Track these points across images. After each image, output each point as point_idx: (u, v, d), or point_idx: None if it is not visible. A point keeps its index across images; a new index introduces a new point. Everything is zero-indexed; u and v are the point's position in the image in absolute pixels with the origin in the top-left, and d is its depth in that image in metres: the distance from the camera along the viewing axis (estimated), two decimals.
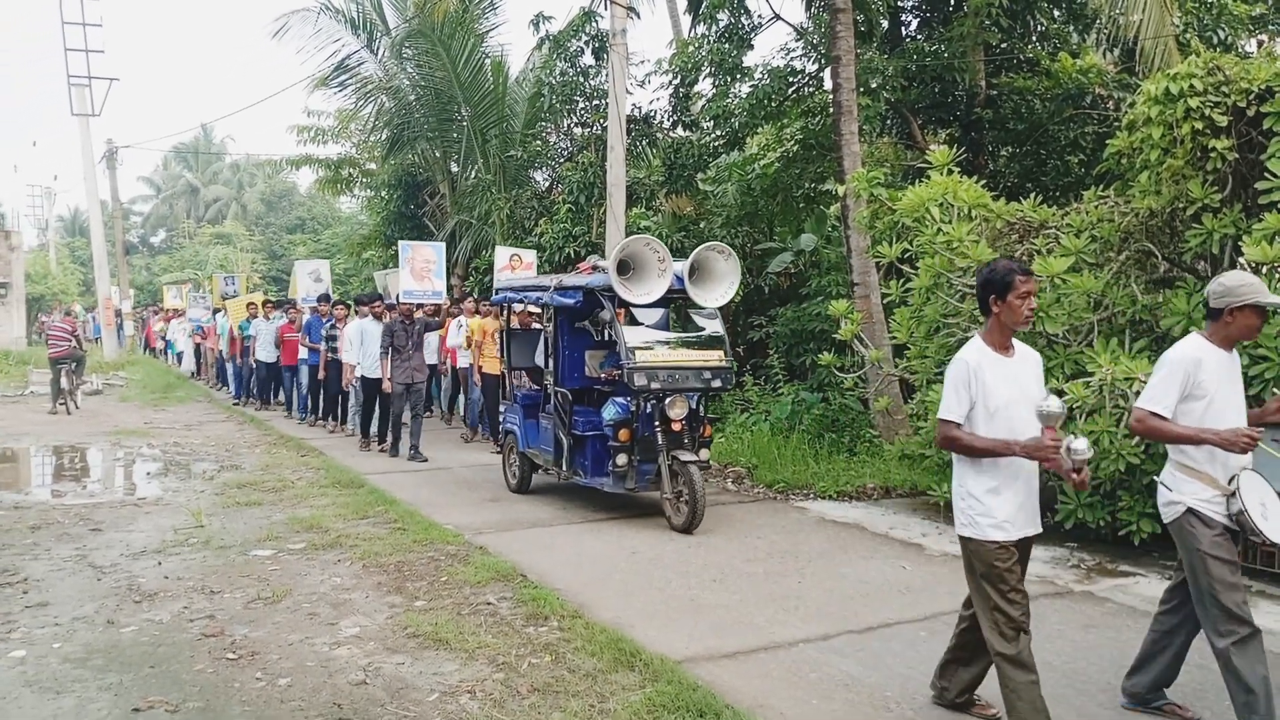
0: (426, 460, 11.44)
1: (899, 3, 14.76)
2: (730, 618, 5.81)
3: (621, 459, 8.11)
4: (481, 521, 8.35)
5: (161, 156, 65.78)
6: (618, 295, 8.05)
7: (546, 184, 18.87)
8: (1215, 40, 12.54)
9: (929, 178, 8.49)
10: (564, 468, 8.75)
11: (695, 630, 5.57)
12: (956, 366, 4.03)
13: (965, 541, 4.08)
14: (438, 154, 20.52)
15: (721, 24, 14.36)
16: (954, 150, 8.76)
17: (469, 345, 13.14)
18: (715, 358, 8.27)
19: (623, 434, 8.06)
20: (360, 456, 12.01)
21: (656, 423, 7.99)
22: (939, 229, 7.93)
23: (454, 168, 20.53)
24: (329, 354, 14.00)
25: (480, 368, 12.76)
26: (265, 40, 61.17)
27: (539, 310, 10.28)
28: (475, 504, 9.13)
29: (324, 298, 15.77)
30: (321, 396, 15.10)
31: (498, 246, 14.34)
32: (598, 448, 8.53)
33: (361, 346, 12.38)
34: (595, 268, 8.62)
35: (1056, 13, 14.48)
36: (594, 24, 15.28)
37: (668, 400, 7.92)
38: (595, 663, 4.96)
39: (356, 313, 13.63)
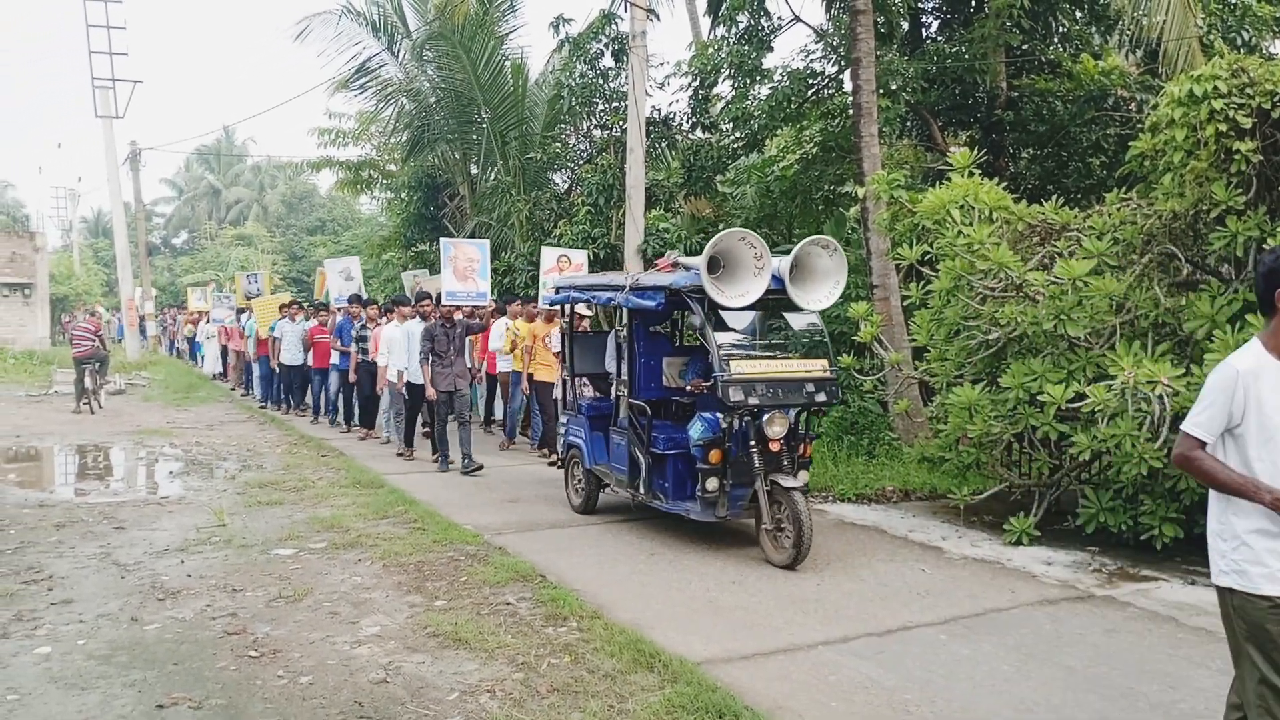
0: (482, 468, 10.75)
1: (919, 4, 14.72)
2: (749, 619, 5.81)
3: (712, 484, 7.10)
4: (501, 522, 8.38)
5: (184, 158, 66.30)
6: (709, 298, 7.05)
7: (565, 186, 18.91)
8: (1239, 42, 12.43)
9: (949, 180, 8.46)
10: (641, 490, 7.82)
11: (714, 632, 5.58)
12: (1222, 373, 3.20)
13: (1226, 594, 3.23)
14: (457, 156, 20.59)
15: (741, 26, 14.36)
16: (975, 152, 8.73)
17: (512, 349, 12.31)
18: (819, 368, 7.29)
19: (713, 455, 7.07)
20: (381, 458, 12.03)
21: (752, 442, 6.98)
22: (959, 231, 7.91)
23: (473, 170, 20.60)
24: (359, 356, 13.49)
25: (532, 375, 11.87)
26: (287, 43, 61.54)
27: (589, 311, 9.60)
28: (495, 505, 9.16)
29: (355, 298, 15.15)
30: (351, 401, 14.56)
31: (544, 247, 13.59)
32: (680, 468, 7.63)
33: (408, 350, 11.73)
34: (676, 264, 7.69)
35: (1078, 14, 14.39)
36: (613, 26, 15.31)
37: (766, 417, 6.91)
38: (614, 663, 4.97)
39: (387, 315, 13.01)
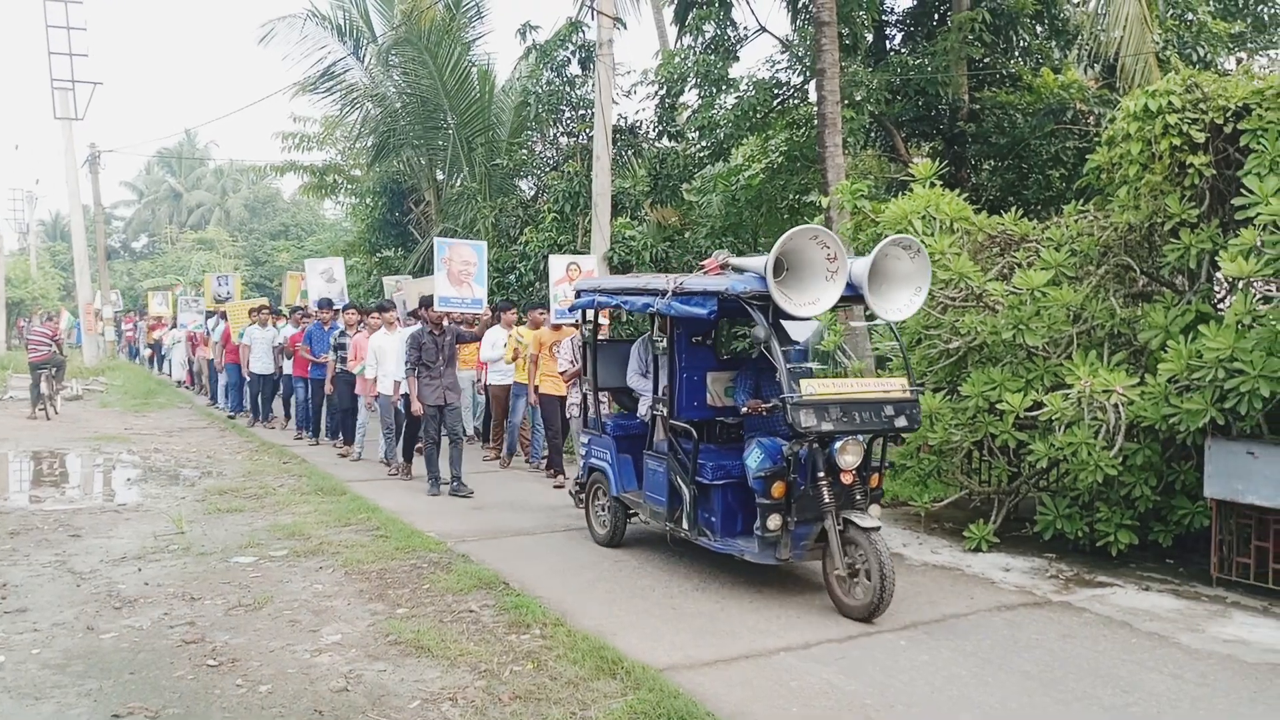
0: (471, 494, 9.78)
1: (884, 17, 14.91)
2: (712, 626, 5.84)
3: (774, 521, 6.09)
4: (465, 529, 8.34)
5: (145, 161, 65.47)
6: (773, 305, 6.09)
7: (532, 193, 18.89)
8: (1195, 58, 12.71)
9: (912, 190, 8.57)
10: (683, 525, 6.76)
11: (677, 638, 5.59)
12: None
13: None
14: (423, 161, 20.51)
15: (708, 36, 14.48)
16: (937, 163, 8.85)
17: (514, 359, 11.28)
18: (897, 388, 6.33)
19: (776, 489, 6.09)
20: (342, 464, 11.93)
21: (821, 473, 6.02)
22: (921, 241, 7.99)
23: (439, 176, 20.52)
24: (336, 365, 12.50)
25: (537, 387, 10.81)
26: (251, 46, 61.04)
27: (582, 320, 8.46)
28: (459, 512, 9.11)
29: (325, 303, 14.14)
30: (324, 413, 13.72)
31: (551, 256, 12.53)
32: (731, 501, 6.65)
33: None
34: (725, 266, 6.71)
35: (1039, 29, 14.66)
36: (580, 34, 15.35)
37: (839, 445, 5.98)
38: (577, 670, 4.98)
39: (367, 321, 11.96)
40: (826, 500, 6.04)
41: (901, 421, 6.21)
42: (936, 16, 14.93)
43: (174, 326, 24.57)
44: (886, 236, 8.34)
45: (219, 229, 56.81)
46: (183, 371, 23.52)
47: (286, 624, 5.79)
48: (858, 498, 6.13)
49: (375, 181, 22.19)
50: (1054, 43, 14.85)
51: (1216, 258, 6.54)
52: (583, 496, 8.22)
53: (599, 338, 8.22)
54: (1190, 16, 13.45)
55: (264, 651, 5.32)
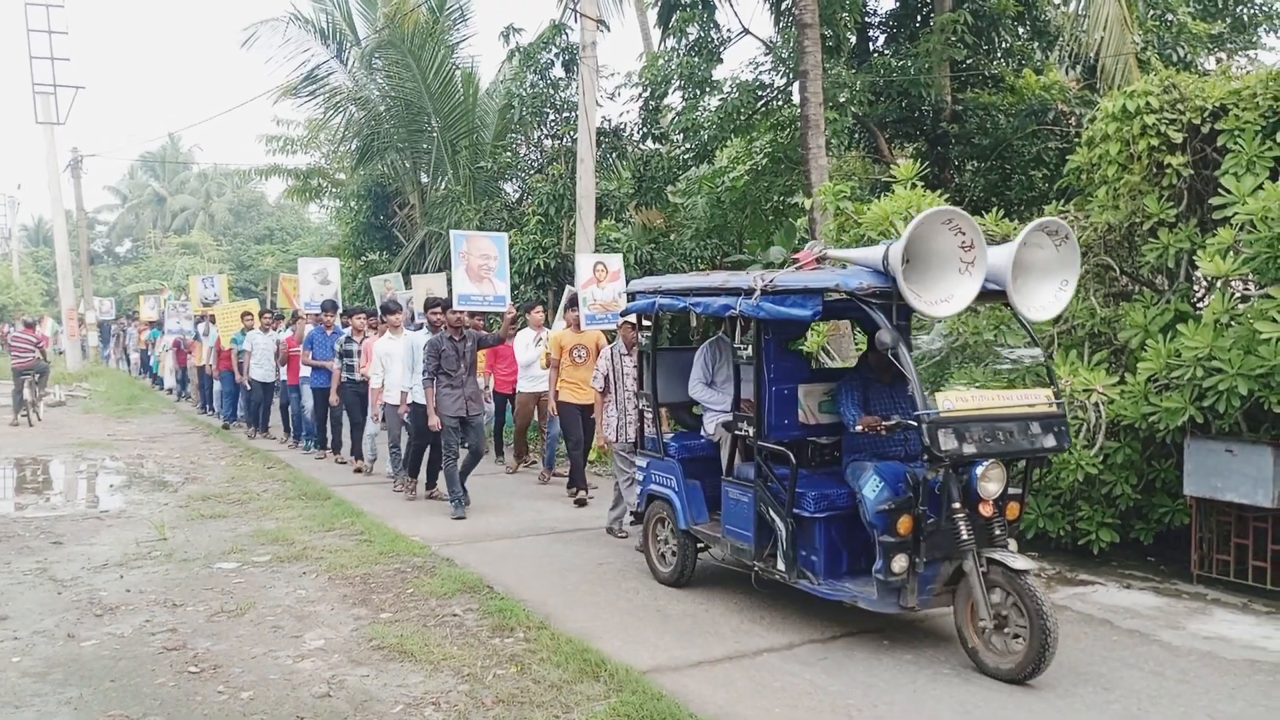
0: (464, 517, 8.95)
1: (866, 19, 14.96)
2: (696, 627, 5.84)
3: (899, 563, 5.18)
4: (449, 533, 8.33)
5: (128, 165, 65.10)
6: (896, 303, 5.27)
7: (516, 195, 18.87)
8: (1175, 58, 12.79)
9: (894, 192, 8.60)
10: (778, 564, 5.78)
11: (661, 640, 5.60)
12: None
13: None
14: (407, 165, 20.47)
15: (691, 38, 14.49)
16: (920, 164, 8.88)
17: (547, 364, 10.21)
18: (1042, 401, 5.45)
19: (902, 524, 5.15)
20: (326, 470, 11.87)
21: (957, 504, 5.09)
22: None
23: (424, 179, 20.48)
24: (343, 374, 11.46)
25: (556, 394, 9.78)
26: (234, 49, 60.83)
27: (637, 325, 7.47)
28: (443, 516, 9.08)
29: (329, 305, 12.98)
30: (325, 423, 12.73)
31: (578, 256, 11.49)
32: (835, 536, 5.72)
33: (410, 367, 9.76)
34: (823, 259, 5.93)
35: (1021, 30, 14.73)
36: (564, 36, 15.34)
37: (980, 470, 5.06)
38: (560, 673, 4.98)
39: (378, 325, 11.24)
40: (964, 537, 5.07)
41: (1049, 441, 5.32)
42: (919, 18, 14.99)
43: (164, 331, 23.53)
44: (867, 237, 8.44)
45: (203, 233, 56.50)
46: (172, 379, 22.71)
47: (269, 630, 5.76)
48: (997, 533, 5.24)
49: (360, 185, 22.13)
50: (1036, 44, 14.92)
51: (1195, 257, 6.59)
52: (623, 529, 7.86)
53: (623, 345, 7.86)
54: (1170, 17, 13.54)
55: (246, 658, 5.30)
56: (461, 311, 9.44)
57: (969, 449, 5.00)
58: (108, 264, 62.06)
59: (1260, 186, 6.17)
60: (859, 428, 5.59)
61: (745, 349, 6.23)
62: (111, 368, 33.38)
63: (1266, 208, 5.91)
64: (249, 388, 14.88)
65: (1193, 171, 6.88)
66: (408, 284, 15.46)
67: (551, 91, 16.06)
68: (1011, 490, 5.36)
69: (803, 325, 6.45)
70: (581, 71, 13.60)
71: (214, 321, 16.95)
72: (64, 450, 13.77)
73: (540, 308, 11.46)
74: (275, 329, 14.58)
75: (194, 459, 12.84)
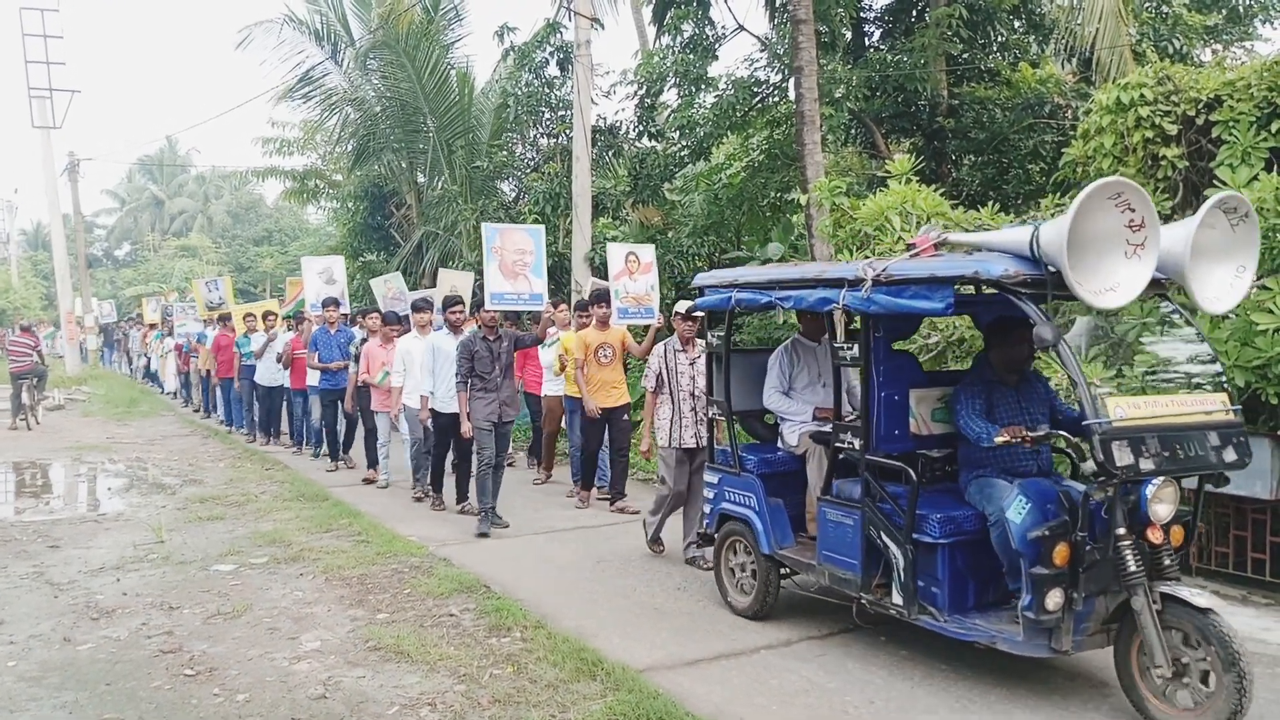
0: (507, 526, 8.41)
1: (862, 14, 14.94)
2: (693, 625, 5.83)
3: (1054, 599, 4.40)
4: (446, 533, 8.31)
5: (126, 169, 65.17)
6: (1060, 293, 4.54)
7: (513, 195, 18.88)
8: (1170, 50, 12.76)
9: (890, 186, 8.59)
10: (893, 597, 5.02)
11: (658, 638, 5.59)
12: None
13: None
14: (404, 165, 20.46)
15: (686, 35, 14.46)
16: (916, 159, 8.88)
17: (561, 369, 9.56)
18: (1218, 407, 4.64)
19: (1058, 553, 4.40)
20: (323, 471, 11.83)
21: (1121, 530, 4.37)
22: (899, 237, 8.02)
23: (420, 179, 20.48)
24: (357, 379, 10.76)
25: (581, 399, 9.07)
26: (230, 52, 60.81)
27: (706, 324, 6.58)
28: (440, 516, 9.08)
29: (332, 301, 12.14)
30: (335, 430, 12.04)
31: (610, 245, 10.34)
32: (961, 565, 4.96)
33: (433, 369, 9.00)
34: (943, 243, 5.13)
35: (1016, 23, 14.70)
36: (558, 35, 15.35)
37: (1150, 490, 4.40)
38: (557, 673, 4.96)
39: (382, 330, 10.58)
40: (1132, 568, 4.34)
41: (1230, 455, 4.56)
42: (914, 13, 14.96)
43: (168, 334, 22.73)
44: (863, 232, 8.43)
45: (201, 236, 56.60)
46: (175, 382, 22.13)
47: (265, 632, 5.75)
48: (1166, 563, 4.51)
49: (356, 186, 22.14)
50: (1031, 37, 14.89)
51: None
52: (698, 554, 7.04)
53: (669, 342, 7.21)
54: (1165, 9, 13.52)
55: (242, 660, 5.29)
56: (494, 310, 8.82)
57: (1146, 464, 4.28)
58: (107, 267, 62.15)
59: (1255, 178, 6.16)
60: (999, 440, 4.70)
61: (850, 349, 5.38)
62: (113, 371, 33.34)
63: (1262, 199, 5.90)
64: (237, 389, 14.81)
65: (1188, 163, 6.87)
66: (410, 285, 15.38)
67: (547, 90, 16.07)
68: (1195, 514, 4.77)
69: (915, 321, 5.84)
70: (576, 70, 13.60)
71: (225, 322, 16.26)
72: (62, 453, 13.77)
73: (564, 304, 10.77)
74: (268, 329, 13.82)
75: (192, 461, 12.83)
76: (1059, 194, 8.40)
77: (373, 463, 10.94)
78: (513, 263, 9.88)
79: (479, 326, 8.56)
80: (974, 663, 4.92)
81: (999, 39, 14.82)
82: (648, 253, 10.14)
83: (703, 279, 6.51)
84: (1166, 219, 6.86)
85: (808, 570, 5.63)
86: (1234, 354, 5.93)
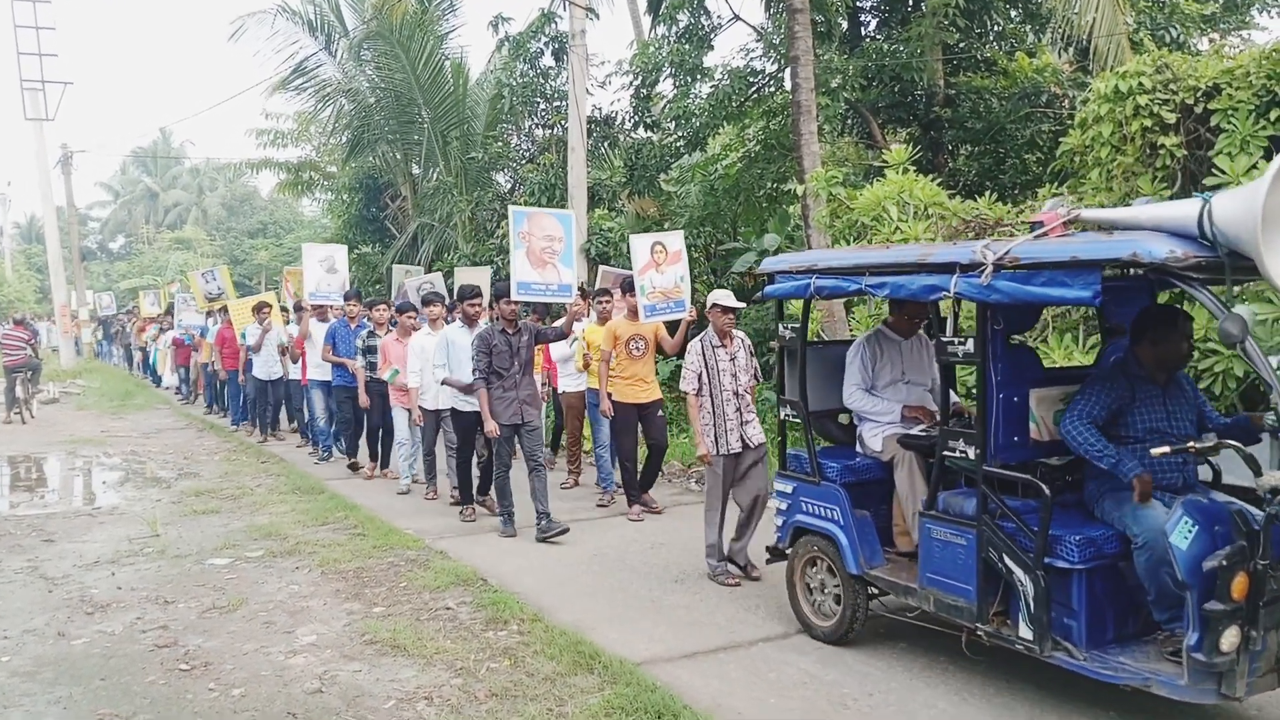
0: (566, 530, 7.76)
1: (857, 3, 14.87)
2: (691, 618, 5.81)
3: (1230, 638, 3.77)
4: (443, 526, 8.28)
5: (120, 161, 64.91)
6: (1241, 277, 4.20)
7: (508, 186, 18.82)
8: (1168, 39, 12.71)
9: (886, 176, 8.56)
10: (1022, 630, 4.35)
11: (656, 631, 5.56)
12: None
13: None
14: (399, 156, 20.41)
15: (681, 24, 14.39)
16: (913, 149, 8.85)
17: (586, 365, 9.20)
18: None
19: (1236, 585, 3.78)
20: (320, 463, 11.79)
21: None
22: (896, 227, 7.99)
23: (415, 170, 20.43)
24: (366, 373, 10.39)
25: (609, 394, 8.55)
26: (223, 42, 60.49)
27: (779, 314, 6.14)
28: (437, 509, 9.04)
29: (354, 294, 11.62)
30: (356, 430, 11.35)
31: (632, 235, 9.49)
32: (1100, 593, 4.33)
33: (449, 366, 8.56)
34: (1072, 221, 4.35)
35: (1013, 12, 14.64)
36: (553, 25, 15.27)
37: None
38: (554, 666, 4.94)
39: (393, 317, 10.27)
40: None
41: None
42: (910, 2, 14.88)
43: (168, 328, 21.98)
44: (860, 222, 8.40)
45: (196, 228, 56.44)
46: (173, 378, 21.45)
47: (261, 626, 5.73)
48: None
49: (351, 177, 22.07)
50: (1028, 26, 14.83)
51: None
52: (754, 566, 6.47)
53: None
54: None
55: (237, 654, 5.26)
56: (516, 303, 8.12)
57: None
58: (101, 260, 61.98)
59: (1254, 166, 6.13)
60: (1158, 452, 4.08)
61: (963, 344, 4.65)
62: (111, 364, 33.21)
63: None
64: (241, 382, 14.39)
65: (1186, 152, 6.84)
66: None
67: (542, 81, 16.01)
68: None
69: (1035, 313, 5.24)
70: (572, 60, 13.53)
71: (224, 314, 15.82)
72: (56, 447, 13.72)
73: (584, 295, 9.93)
74: (260, 320, 13.38)
75: (187, 455, 12.79)
76: (1056, 183, 8.37)
77: (385, 462, 10.65)
78: (541, 250, 8.84)
79: (497, 319, 8.00)
80: (973, 655, 4.90)
81: (995, 28, 14.76)
82: (676, 240, 9.12)
83: (773, 263, 5.86)
84: None
85: (906, 594, 4.97)
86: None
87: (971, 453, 4.56)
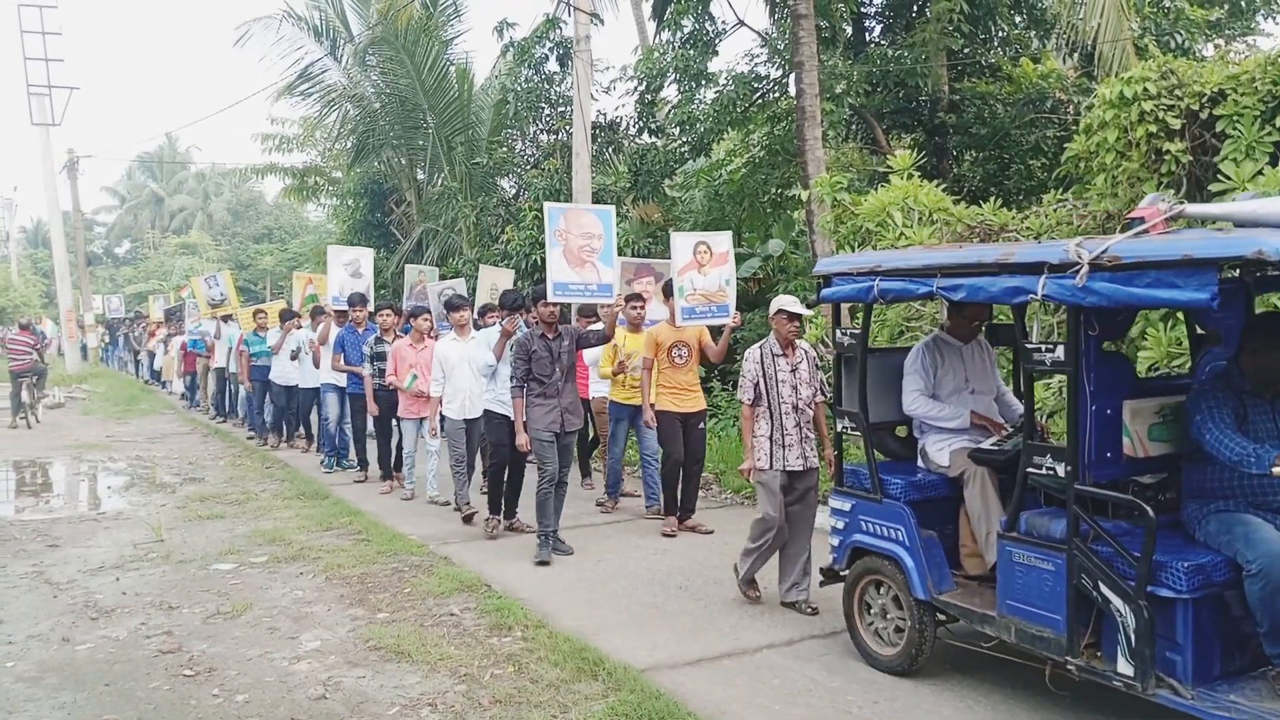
0: (572, 552, 7.45)
1: (862, 9, 14.89)
2: (695, 624, 5.79)
3: None
4: (447, 532, 8.28)
5: (125, 166, 65.14)
6: None
7: (513, 191, 18.84)
8: (1173, 45, 12.70)
9: (891, 182, 8.55)
10: (1120, 665, 3.97)
11: (659, 638, 5.55)
12: None
13: None
14: (403, 161, 20.45)
15: (686, 30, 14.42)
16: (917, 155, 8.85)
17: (616, 372, 8.78)
18: None
19: None
20: (324, 470, 11.77)
21: None
22: (900, 233, 7.98)
23: (420, 175, 20.47)
24: (375, 380, 10.03)
25: (653, 405, 8.16)
26: (228, 48, 60.69)
27: (834, 319, 5.64)
28: (441, 514, 9.04)
29: (358, 299, 11.10)
30: (346, 434, 11.38)
31: (674, 234, 8.76)
32: (1207, 624, 3.97)
33: (472, 375, 8.46)
34: (1176, 218, 3.98)
35: (1017, 18, 14.66)
36: (558, 30, 15.30)
37: None
38: (558, 673, 4.93)
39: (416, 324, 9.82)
40: None
41: None
42: (915, 8, 14.90)
43: (175, 333, 21.78)
44: (864, 228, 8.39)
45: (201, 233, 56.56)
46: (181, 384, 21.03)
47: (265, 631, 5.72)
48: None
49: (356, 183, 22.12)
50: (1033, 32, 14.85)
51: None
52: (800, 597, 6.02)
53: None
54: (1167, 3, 13.45)
55: (242, 660, 5.26)
56: (554, 305, 7.63)
57: None
58: (107, 265, 62.18)
59: (1260, 172, 6.12)
60: (1277, 469, 3.70)
61: (1052, 351, 4.26)
62: (115, 369, 33.25)
63: (1266, 193, 5.85)
64: (248, 389, 14.28)
65: (1191, 158, 6.82)
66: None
67: (546, 86, 16.04)
68: None
69: (1129, 318, 4.85)
70: (576, 65, 13.54)
71: (228, 321, 15.88)
72: (62, 452, 13.74)
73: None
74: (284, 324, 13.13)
75: (192, 459, 12.80)
76: (1061, 189, 8.35)
77: (389, 471, 10.33)
78: (579, 248, 8.25)
79: (536, 323, 7.63)
80: (978, 663, 4.89)
81: (1000, 34, 14.77)
82: (723, 241, 8.50)
83: (830, 265, 5.43)
84: None
85: (982, 622, 4.54)
86: None
87: (1061, 470, 4.15)
